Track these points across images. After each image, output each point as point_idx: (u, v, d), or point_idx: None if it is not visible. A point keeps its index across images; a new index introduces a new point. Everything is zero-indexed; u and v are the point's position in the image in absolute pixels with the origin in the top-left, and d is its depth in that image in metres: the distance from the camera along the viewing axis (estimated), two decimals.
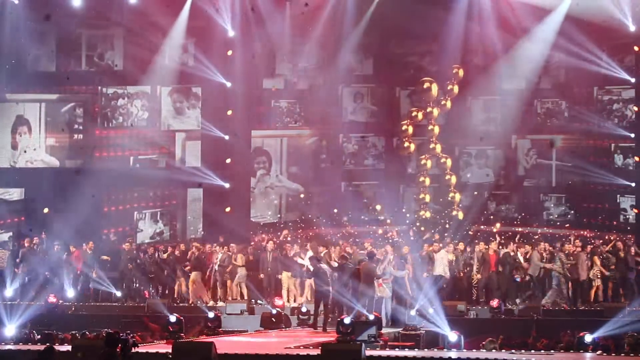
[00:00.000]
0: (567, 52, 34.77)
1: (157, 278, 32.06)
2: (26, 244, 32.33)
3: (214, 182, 36.36)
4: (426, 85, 34.69)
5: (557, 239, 33.08)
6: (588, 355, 22.01)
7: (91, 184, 34.58)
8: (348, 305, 25.57)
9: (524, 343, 24.02)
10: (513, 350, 22.38)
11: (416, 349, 22.71)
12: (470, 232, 33.44)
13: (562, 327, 26.00)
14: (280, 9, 35.96)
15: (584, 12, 33.93)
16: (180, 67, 37.09)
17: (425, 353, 21.12)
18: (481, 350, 22.95)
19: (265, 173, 38.07)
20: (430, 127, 34.95)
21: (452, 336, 23.43)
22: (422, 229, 33.58)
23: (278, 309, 28.78)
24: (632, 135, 35.68)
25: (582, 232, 34.15)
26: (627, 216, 35.85)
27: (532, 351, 22.59)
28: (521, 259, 30.50)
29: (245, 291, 31.39)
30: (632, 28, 34.09)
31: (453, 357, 21.31)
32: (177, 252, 32.24)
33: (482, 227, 34.43)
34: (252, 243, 33.74)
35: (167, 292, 32.04)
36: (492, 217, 35.50)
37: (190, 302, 31.03)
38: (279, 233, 34.80)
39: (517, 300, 30.13)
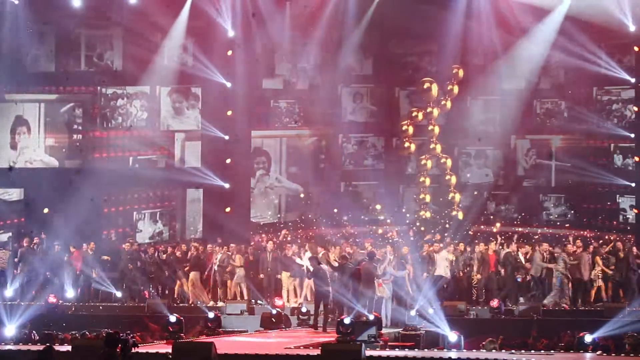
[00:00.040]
0: (567, 52, 34.77)
1: (157, 278, 32.04)
2: (25, 244, 32.28)
3: (214, 183, 36.34)
4: (426, 85, 34.67)
5: (557, 239, 33.09)
6: (588, 355, 22.03)
7: (90, 184, 34.54)
8: (348, 306, 25.57)
9: (524, 343, 24.05)
10: (513, 351, 22.40)
11: (416, 349, 22.71)
12: (470, 232, 33.44)
13: (562, 327, 26.04)
14: (280, 9, 35.95)
15: (583, 12, 33.90)
16: (179, 68, 37.06)
17: (425, 353, 21.12)
18: (481, 350, 22.97)
19: (265, 173, 38.06)
20: (430, 127, 34.94)
21: (452, 336, 23.46)
22: (422, 229, 33.58)
23: (278, 309, 28.75)
24: (632, 135, 35.65)
25: (582, 233, 34.15)
26: (627, 216, 35.84)
27: (532, 351, 22.61)
28: (522, 259, 30.49)
29: (245, 291, 31.36)
30: (632, 28, 34.06)
31: (453, 357, 21.33)
32: (177, 253, 32.20)
33: (482, 227, 34.46)
34: (252, 243, 33.73)
35: (167, 292, 32.02)
36: (492, 217, 35.52)
37: (190, 302, 31.02)
38: (278, 233, 34.79)
39: (521, 299, 30.06)
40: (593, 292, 30.07)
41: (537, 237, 33.69)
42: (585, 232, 34.35)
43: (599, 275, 29.98)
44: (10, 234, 36.55)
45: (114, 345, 15.83)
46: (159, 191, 37.80)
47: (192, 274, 31.31)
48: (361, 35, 36.24)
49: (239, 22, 36.04)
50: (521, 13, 34.71)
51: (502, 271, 30.53)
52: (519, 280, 30.35)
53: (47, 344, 19.06)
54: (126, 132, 37.64)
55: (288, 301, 30.67)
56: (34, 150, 37.76)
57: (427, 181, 34.71)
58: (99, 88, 37.78)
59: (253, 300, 30.81)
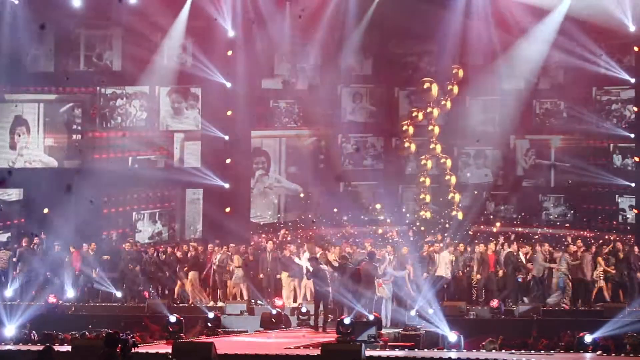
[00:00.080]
0: (566, 53, 34.75)
1: (157, 278, 32.03)
2: (24, 244, 32.26)
3: (214, 183, 36.32)
4: (426, 85, 34.66)
5: (557, 239, 33.10)
6: (588, 355, 22.05)
7: (90, 184, 34.51)
8: (348, 306, 25.56)
9: (524, 343, 24.05)
10: (513, 351, 22.40)
11: (416, 349, 22.73)
12: (470, 233, 33.44)
13: (562, 327, 26.04)
14: (280, 10, 35.93)
15: (583, 12, 33.90)
16: (179, 68, 37.02)
17: (425, 353, 21.14)
18: (481, 350, 22.98)
19: (264, 173, 38.06)
20: (430, 127, 34.93)
21: (452, 336, 23.45)
22: (422, 228, 33.59)
23: (278, 309, 28.75)
24: (632, 135, 35.63)
25: (581, 233, 34.14)
26: (626, 216, 35.83)
27: (532, 351, 22.62)
28: (523, 259, 30.48)
29: (244, 292, 31.34)
30: (632, 28, 34.03)
31: (453, 357, 21.35)
32: (178, 253, 32.18)
33: (481, 227, 34.46)
34: (252, 243, 33.72)
35: (167, 292, 32.01)
36: (492, 217, 35.52)
37: (190, 302, 31.00)
38: (278, 233, 34.79)
39: (525, 300, 30.01)
40: (595, 293, 30.04)
41: (537, 237, 33.69)
42: (585, 233, 34.35)
43: (600, 276, 29.96)
44: (9, 234, 36.49)
45: (114, 345, 15.83)
46: (158, 191, 37.75)
47: (190, 274, 31.30)
48: (361, 36, 36.24)
49: (239, 22, 36.02)
50: (521, 13, 34.73)
51: (503, 271, 30.47)
52: (519, 280, 30.35)
53: (47, 344, 19.07)
54: (125, 132, 37.58)
55: (288, 302, 30.63)
56: (34, 150, 37.68)
57: (427, 181, 34.71)
58: (98, 88, 37.72)
59: (253, 301, 30.80)
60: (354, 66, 37.81)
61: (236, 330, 27.93)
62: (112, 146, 37.54)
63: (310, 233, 34.86)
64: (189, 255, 31.84)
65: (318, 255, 28.69)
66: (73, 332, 25.37)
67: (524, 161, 37.20)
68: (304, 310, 28.80)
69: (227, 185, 36.45)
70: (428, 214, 34.12)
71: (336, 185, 37.42)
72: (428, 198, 34.54)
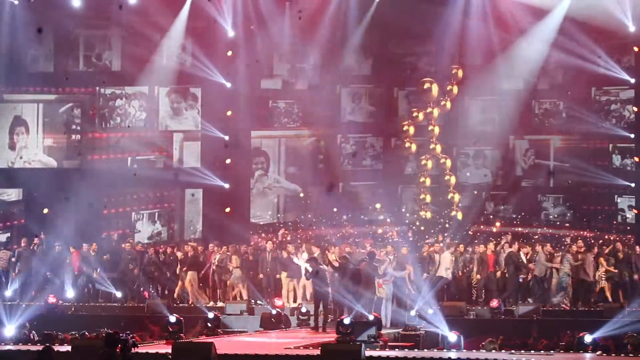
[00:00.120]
0: (566, 53, 34.73)
1: (157, 278, 32.02)
2: (22, 244, 32.25)
3: (214, 183, 36.30)
4: (426, 85, 34.65)
5: (556, 239, 33.09)
6: (588, 355, 22.06)
7: (89, 185, 34.51)
8: (348, 306, 25.57)
9: (524, 343, 24.06)
10: (513, 351, 22.41)
11: (416, 350, 22.73)
12: (470, 233, 33.44)
13: (562, 327, 26.06)
14: (280, 10, 35.92)
15: (582, 12, 33.88)
16: (178, 68, 36.98)
17: (425, 353, 21.16)
18: (481, 350, 22.99)
19: (263, 174, 38.05)
20: (430, 127, 34.91)
21: (452, 336, 23.43)
22: (422, 228, 33.59)
23: (278, 310, 28.76)
24: (632, 135, 35.60)
25: (581, 233, 34.14)
26: (626, 216, 35.83)
27: (532, 351, 22.62)
28: (524, 258, 30.48)
29: (242, 292, 31.33)
30: (632, 28, 34.00)
31: (453, 357, 21.36)
32: (178, 253, 32.15)
33: (481, 227, 34.46)
34: (252, 243, 33.71)
35: (167, 292, 32.00)
36: (491, 217, 35.52)
37: (190, 302, 30.99)
38: (278, 233, 34.80)
39: (530, 300, 29.97)
40: (597, 293, 30.00)
41: (536, 237, 33.68)
42: (585, 233, 34.36)
43: (602, 277, 29.95)
44: (8, 234, 36.48)
45: (113, 345, 15.87)
46: (158, 192, 37.72)
47: (189, 274, 31.28)
48: (360, 36, 36.22)
49: (239, 22, 35.98)
50: (520, 13, 34.70)
51: (504, 271, 30.45)
52: (520, 280, 30.35)
53: (47, 344, 19.07)
54: (125, 133, 37.54)
55: (288, 302, 30.62)
56: (33, 150, 37.65)
57: (428, 181, 34.70)
58: (97, 88, 37.68)
59: (253, 301, 30.79)
60: (354, 66, 37.80)
61: (236, 330, 27.94)
62: (112, 146, 37.49)
63: (310, 233, 34.85)
64: (187, 255, 31.84)
65: (316, 255, 28.76)
66: (73, 332, 25.38)
67: (523, 161, 37.18)
68: (303, 310, 28.81)
69: (227, 186, 36.42)
70: (428, 214, 34.12)
71: (335, 186, 37.39)
72: (428, 198, 34.53)
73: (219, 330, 26.57)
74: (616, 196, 36.04)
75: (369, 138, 38.09)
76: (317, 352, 19.68)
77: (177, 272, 31.58)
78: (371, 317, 24.35)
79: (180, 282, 31.48)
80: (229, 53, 36.31)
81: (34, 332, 25.40)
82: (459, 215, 33.89)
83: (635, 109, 35.62)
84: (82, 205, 33.66)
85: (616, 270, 29.90)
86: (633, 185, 35.27)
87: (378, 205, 35.32)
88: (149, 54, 36.33)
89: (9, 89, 37.50)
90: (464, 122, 36.69)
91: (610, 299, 29.68)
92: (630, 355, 21.75)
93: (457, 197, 34.48)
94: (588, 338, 22.82)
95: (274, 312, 28.57)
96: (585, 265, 29.67)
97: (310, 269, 27.55)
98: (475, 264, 30.59)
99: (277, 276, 31.29)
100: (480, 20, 35.14)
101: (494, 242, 32.07)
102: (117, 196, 37.09)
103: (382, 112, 37.94)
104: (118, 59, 37.73)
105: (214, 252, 31.85)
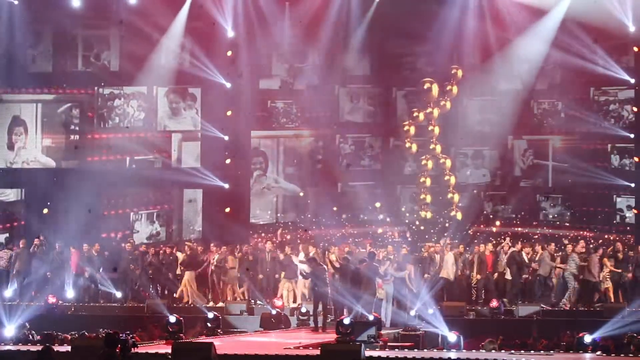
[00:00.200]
0: (564, 52, 34.73)
1: (157, 279, 32.00)
2: (21, 245, 32.22)
3: (213, 183, 36.26)
4: (427, 85, 34.62)
5: (556, 239, 33.09)
6: (588, 355, 22.05)
7: (88, 185, 34.47)
8: (348, 306, 25.58)
9: (523, 343, 24.06)
10: (512, 351, 22.41)
11: (416, 350, 22.73)
12: (470, 233, 33.44)
13: (562, 327, 26.06)
14: (280, 10, 35.90)
15: (581, 12, 33.88)
16: (178, 68, 36.93)
17: (425, 353, 21.15)
18: (481, 350, 22.98)
19: (262, 174, 38.03)
20: (430, 127, 34.89)
21: (452, 337, 23.41)
22: (422, 228, 33.58)
23: (278, 310, 28.76)
24: (632, 136, 35.59)
25: (581, 233, 34.15)
26: (625, 216, 35.83)
27: (532, 352, 22.62)
28: (525, 258, 30.47)
29: (238, 292, 31.32)
30: (632, 28, 33.98)
31: (452, 357, 21.36)
32: (178, 254, 32.13)
33: (481, 227, 34.47)
34: (251, 244, 33.70)
35: (166, 292, 31.98)
36: (491, 217, 35.53)
37: (190, 302, 30.96)
38: (277, 233, 34.79)
39: (543, 305, 29.92)
40: (603, 293, 29.99)
41: (536, 237, 33.69)
42: (585, 233, 34.36)
43: (607, 277, 29.94)
44: (6, 234, 36.44)
45: (113, 346, 15.88)
46: (157, 192, 37.69)
47: (187, 274, 31.28)
48: (359, 36, 36.19)
49: (239, 23, 35.94)
50: (519, 13, 34.68)
51: (504, 271, 30.44)
52: (521, 280, 30.36)
53: (46, 344, 19.06)
54: (124, 133, 37.49)
55: (288, 302, 30.61)
56: (32, 151, 37.60)
57: (428, 181, 34.66)
58: (96, 88, 37.64)
59: (253, 301, 30.78)
60: (352, 66, 37.77)
61: (236, 330, 27.92)
62: (111, 146, 37.44)
63: (310, 232, 34.82)
64: (185, 255, 31.85)
65: (312, 254, 28.76)
66: (73, 332, 25.36)
67: (521, 161, 37.17)
68: (303, 310, 28.83)
69: (226, 186, 36.38)
70: (428, 214, 34.09)
71: (334, 186, 37.39)
72: (429, 198, 34.49)
73: (218, 331, 26.53)
74: (615, 196, 36.04)
75: (367, 138, 38.09)
76: (317, 352, 19.67)
77: (177, 272, 31.58)
78: (371, 317, 24.35)
79: (180, 282, 31.46)
80: (229, 53, 36.29)
81: (33, 332, 25.35)
82: (459, 216, 33.88)
83: (636, 109, 35.60)
84: (81, 205, 33.58)
85: (619, 270, 29.92)
86: (633, 185, 35.25)
87: (378, 204, 35.33)
88: (147, 53, 36.26)
89: (7, 89, 37.43)
90: (462, 122, 36.67)
91: (612, 300, 29.68)
92: (630, 355, 21.73)
93: (456, 197, 34.46)
94: (588, 338, 22.82)
95: (273, 312, 28.59)
96: (590, 265, 29.66)
97: (308, 270, 27.57)
98: (475, 264, 30.59)
99: (276, 276, 31.29)
100: (479, 20, 35.13)
101: (493, 242, 32.06)
102: (117, 197, 37.06)
103: (381, 112, 37.95)
104: (117, 58, 37.68)
105: (213, 252, 31.86)
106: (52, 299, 30.17)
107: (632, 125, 35.70)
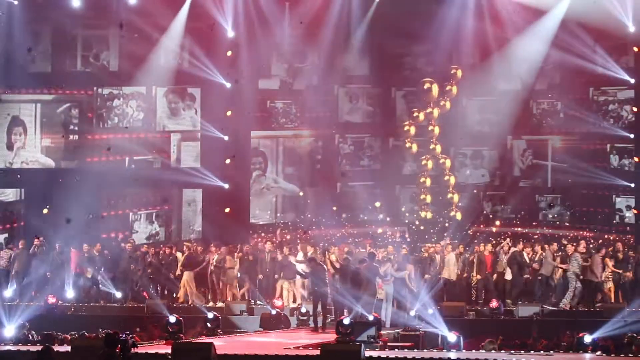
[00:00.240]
0: (564, 52, 34.73)
1: (157, 279, 31.99)
2: (20, 245, 32.19)
3: (213, 183, 36.24)
4: (427, 85, 34.63)
5: (555, 239, 33.08)
6: (588, 355, 22.05)
7: (87, 185, 34.45)
8: (348, 306, 25.58)
9: (523, 344, 24.06)
10: (512, 351, 22.41)
11: (416, 350, 22.72)
12: (469, 233, 33.44)
13: (562, 327, 26.05)
14: (280, 10, 35.90)
15: (581, 12, 33.88)
16: (177, 68, 36.90)
17: (425, 354, 21.16)
18: (480, 351, 22.98)
19: (261, 174, 38.03)
20: (430, 127, 34.89)
21: (452, 337, 23.40)
22: (422, 228, 33.58)
23: (277, 310, 28.75)
24: (631, 136, 35.61)
25: (580, 233, 34.16)
26: (624, 216, 35.83)
27: (532, 352, 22.62)
28: (527, 258, 30.47)
29: (236, 292, 31.29)
30: (632, 29, 33.96)
31: (452, 357, 21.36)
32: (178, 254, 32.11)
33: (481, 227, 34.48)
34: (251, 244, 33.68)
35: (166, 292, 31.97)
36: (491, 217, 35.53)
37: (189, 302, 30.95)
38: (276, 233, 34.79)
39: (548, 307, 29.92)
40: (605, 293, 29.97)
41: (536, 237, 33.69)
42: (585, 233, 34.37)
43: (609, 277, 29.93)
44: (6, 235, 36.43)
45: (113, 346, 15.87)
46: (156, 192, 37.66)
47: (185, 274, 31.26)
48: (359, 36, 36.19)
49: (239, 23, 35.92)
50: (519, 13, 34.68)
51: (504, 271, 30.43)
52: (522, 280, 30.35)
53: (46, 344, 19.05)
54: (124, 134, 37.47)
55: (287, 302, 30.61)
56: (31, 151, 37.58)
57: (428, 181, 34.67)
58: (95, 88, 37.62)
59: (252, 301, 30.77)
60: (352, 66, 37.77)
61: (236, 330, 27.92)
62: (110, 147, 37.37)
63: (310, 233, 34.82)
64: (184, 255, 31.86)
65: (310, 254, 28.75)
66: (72, 332, 25.35)
67: (520, 161, 37.18)
68: (303, 310, 28.82)
69: (226, 186, 36.36)
70: (429, 214, 34.09)
71: (333, 186, 37.40)
72: (429, 198, 34.49)
73: (218, 331, 26.53)
74: (614, 196, 36.05)
75: (367, 138, 38.13)
76: (316, 352, 19.67)
77: (177, 272, 31.57)
78: (371, 318, 24.35)
79: (180, 283, 31.46)
80: (229, 53, 36.27)
81: (33, 332, 25.34)
82: (458, 216, 33.89)
83: (636, 109, 35.60)
84: (81, 205, 33.55)
85: (620, 270, 29.92)
86: (633, 185, 35.25)
87: (378, 204, 35.33)
88: (146, 53, 36.21)
89: (6, 89, 37.38)
90: (461, 122, 36.67)
91: (612, 300, 29.68)
92: (631, 355, 21.73)
93: (456, 197, 34.46)
94: (588, 338, 22.82)
95: (273, 312, 28.59)
96: (593, 265, 29.64)
97: (307, 270, 27.57)
98: (475, 264, 30.59)
99: (276, 276, 31.28)
100: (478, 20, 35.14)
101: (492, 242, 32.06)
102: (116, 197, 37.05)
103: (380, 112, 37.99)
104: (116, 59, 37.64)
105: (213, 252, 31.85)
106: (52, 299, 30.14)
107: (632, 125, 35.73)
